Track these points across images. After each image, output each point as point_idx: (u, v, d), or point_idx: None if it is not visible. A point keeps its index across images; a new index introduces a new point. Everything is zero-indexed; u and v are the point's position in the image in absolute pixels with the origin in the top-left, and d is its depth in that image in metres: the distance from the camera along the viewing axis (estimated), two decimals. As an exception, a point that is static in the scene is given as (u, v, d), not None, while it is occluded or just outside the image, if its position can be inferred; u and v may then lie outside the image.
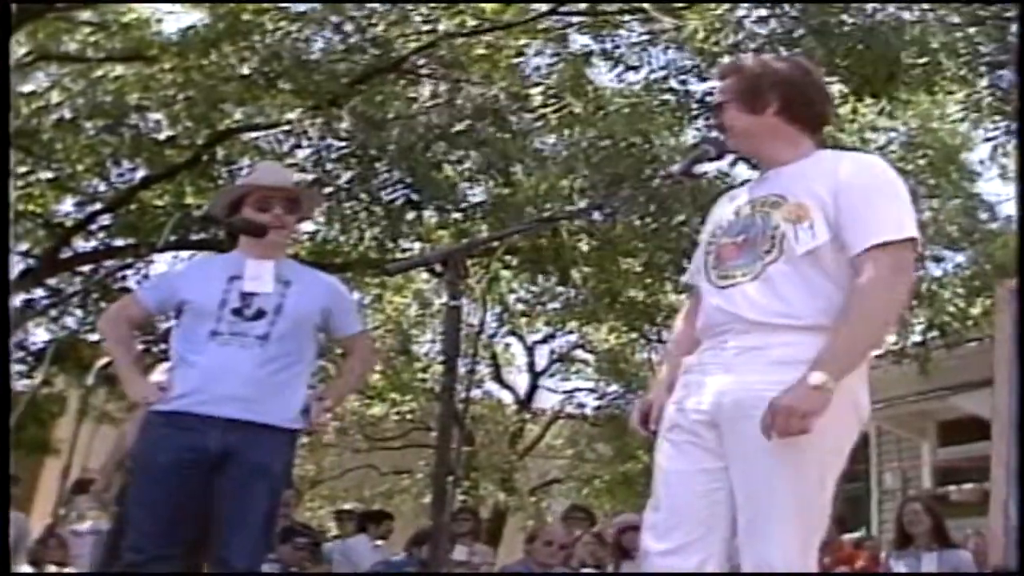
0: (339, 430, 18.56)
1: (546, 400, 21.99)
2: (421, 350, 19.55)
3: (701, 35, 10.22)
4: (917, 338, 13.09)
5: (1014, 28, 8.91)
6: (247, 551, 4.16)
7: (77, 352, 11.96)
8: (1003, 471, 8.92)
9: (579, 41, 11.38)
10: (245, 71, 10.87)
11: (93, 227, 12.58)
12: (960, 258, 13.47)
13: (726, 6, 10.28)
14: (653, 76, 10.95)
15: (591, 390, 20.53)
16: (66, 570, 9.00)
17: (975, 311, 13.17)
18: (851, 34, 9.55)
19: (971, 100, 10.36)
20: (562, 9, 11.12)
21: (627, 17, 11.00)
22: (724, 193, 3.61)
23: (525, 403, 21.61)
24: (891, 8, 9.87)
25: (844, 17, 9.63)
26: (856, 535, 11.02)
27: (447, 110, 10.41)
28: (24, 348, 13.57)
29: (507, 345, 21.16)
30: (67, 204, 13.11)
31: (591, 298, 13.26)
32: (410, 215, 11.07)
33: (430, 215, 11.33)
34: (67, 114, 11.40)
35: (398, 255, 11.24)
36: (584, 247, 11.71)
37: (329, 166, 11.11)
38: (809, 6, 9.69)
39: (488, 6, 10.96)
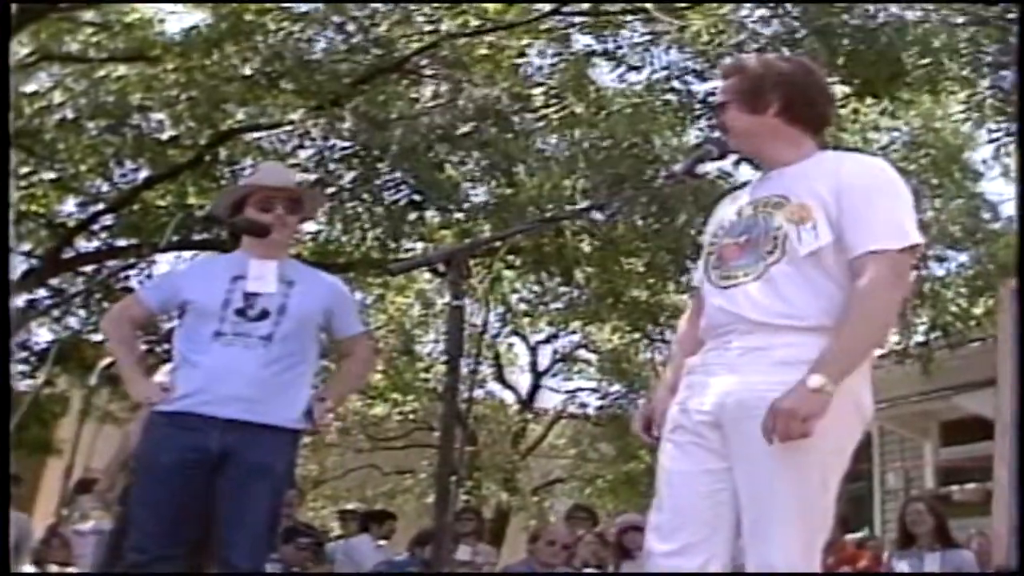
0: (342, 430, 18.55)
1: (549, 400, 22.00)
2: (424, 350, 19.56)
3: (704, 36, 10.22)
4: (920, 338, 13.09)
5: (1015, 28, 8.90)
6: (249, 551, 4.16)
7: (80, 352, 11.97)
8: (1006, 471, 8.91)
9: (581, 41, 11.38)
10: (247, 71, 10.87)
11: (96, 227, 12.58)
12: (963, 258, 13.47)
13: (729, 7, 10.28)
14: (655, 76, 10.95)
15: (594, 390, 20.52)
16: (69, 570, 9.00)
17: (978, 311, 13.17)
18: (853, 35, 9.54)
19: (973, 101, 10.35)
20: (564, 9, 11.12)
21: (629, 17, 10.99)
22: (726, 194, 3.61)
23: (528, 403, 21.60)
24: (893, 9, 9.86)
25: (846, 17, 9.61)
26: (858, 535, 11.01)
27: (449, 111, 10.40)
28: (27, 348, 13.57)
29: (510, 345, 21.17)
30: (70, 204, 13.11)
31: (594, 298, 13.26)
32: (412, 215, 11.06)
33: (432, 215, 11.33)
34: (70, 114, 11.41)
35: (400, 255, 11.24)
36: (587, 247, 11.70)
37: (332, 166, 11.10)
38: (811, 6, 9.68)
39: (491, 6, 10.96)
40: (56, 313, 13.20)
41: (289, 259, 4.63)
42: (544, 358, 21.28)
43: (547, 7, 11.10)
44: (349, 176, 11.10)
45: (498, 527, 18.47)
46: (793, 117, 3.27)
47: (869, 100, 10.44)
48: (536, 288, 14.76)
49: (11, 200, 11.61)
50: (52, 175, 12.34)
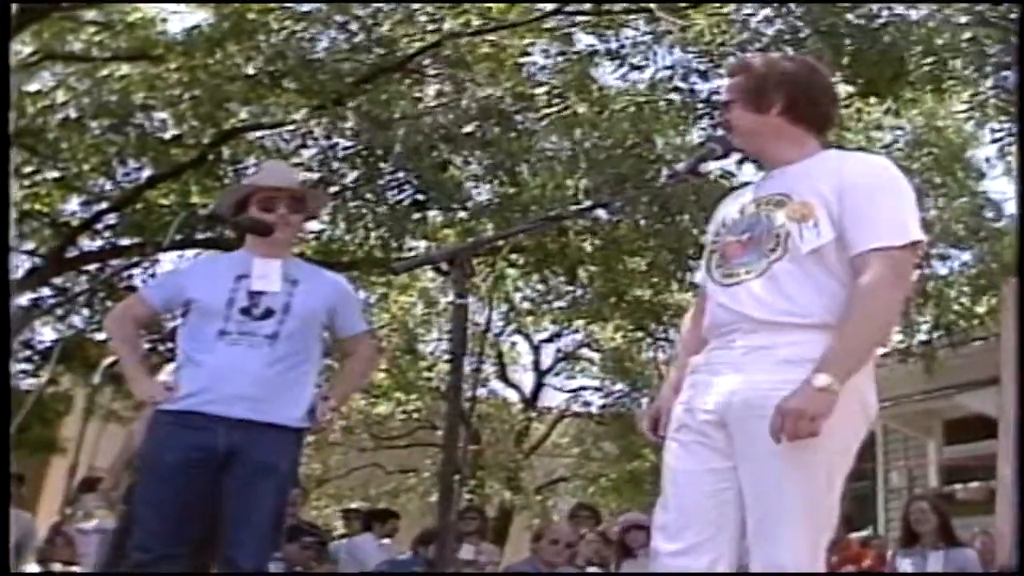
0: (345, 429, 18.55)
1: (552, 399, 22.01)
2: (427, 349, 19.57)
3: (706, 35, 10.21)
4: (923, 337, 13.10)
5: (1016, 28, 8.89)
6: (254, 550, 4.16)
7: (83, 351, 11.97)
8: (1010, 470, 8.91)
9: (584, 41, 11.38)
10: (250, 70, 10.86)
11: (99, 226, 12.57)
12: (966, 256, 13.47)
13: (732, 6, 10.27)
14: (658, 76, 10.94)
15: (597, 389, 20.53)
16: (73, 568, 9.01)
17: (981, 309, 13.18)
18: (856, 34, 9.53)
19: (976, 100, 10.34)
20: (567, 8, 11.11)
21: (632, 16, 10.98)
22: (728, 193, 3.61)
23: (531, 402, 21.61)
24: (898, 9, 9.84)
25: (849, 17, 9.60)
26: (863, 534, 11.01)
27: (452, 110, 10.39)
28: (30, 347, 13.59)
29: (513, 344, 21.19)
30: (73, 203, 13.11)
31: (596, 297, 13.26)
32: (416, 215, 11.06)
33: (436, 214, 11.32)
34: (73, 113, 11.41)
35: (404, 254, 11.24)
36: (589, 247, 11.70)
37: (335, 165, 11.10)
38: (814, 6, 9.67)
39: (494, 5, 10.95)
40: (60, 312, 13.21)
41: (293, 258, 4.63)
42: (547, 357, 21.32)
43: (550, 6, 11.09)
44: (352, 175, 11.10)
45: (501, 526, 18.48)
46: (796, 116, 3.27)
47: (872, 99, 10.41)
48: (539, 287, 14.75)
49: (15, 199, 11.63)
50: (55, 174, 12.35)
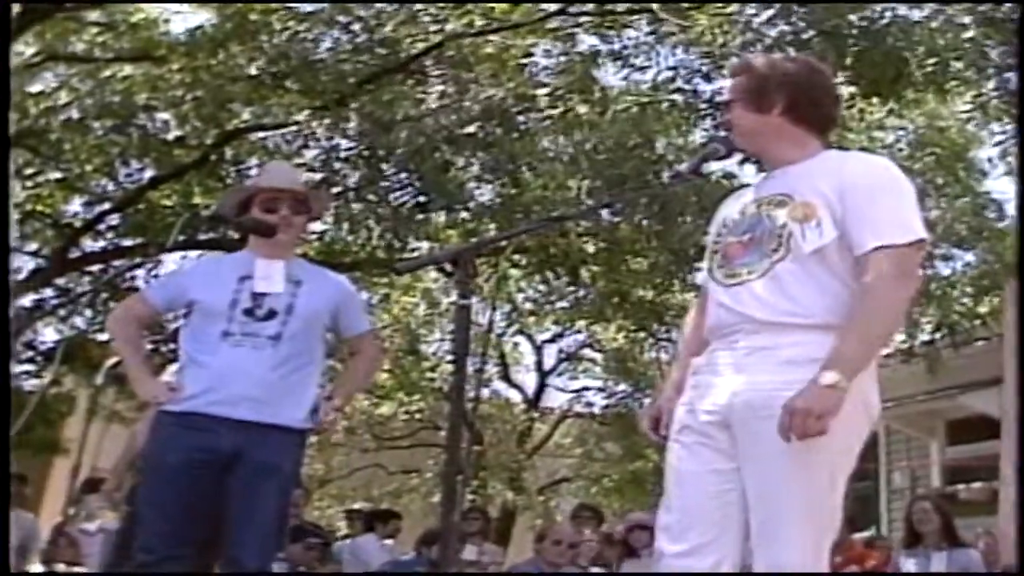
0: (347, 429, 18.58)
1: (554, 399, 22.02)
2: (429, 349, 19.57)
3: (709, 36, 10.21)
4: (926, 337, 13.09)
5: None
6: (258, 550, 4.17)
7: (86, 352, 11.98)
8: (1011, 469, 8.92)
9: (587, 42, 11.37)
10: (253, 71, 10.86)
11: (102, 227, 12.58)
12: (969, 257, 13.46)
13: (734, 6, 10.26)
14: (661, 77, 10.94)
15: (600, 389, 20.54)
16: (77, 569, 9.02)
17: (983, 310, 13.17)
18: (859, 35, 9.53)
19: (978, 102, 10.34)
20: (570, 9, 11.10)
21: (635, 17, 10.98)
22: (729, 194, 3.61)
23: (533, 402, 21.61)
24: (901, 9, 9.83)
25: (852, 18, 9.59)
26: (866, 534, 11.01)
27: (454, 111, 10.39)
28: (33, 348, 13.59)
29: (515, 344, 21.19)
30: (76, 204, 13.11)
31: (599, 297, 13.26)
32: (418, 216, 11.06)
33: (438, 215, 11.32)
34: (75, 114, 11.40)
35: (406, 255, 11.24)
36: (592, 247, 11.70)
37: (337, 166, 11.10)
38: (817, 7, 9.65)
39: (497, 5, 10.95)
40: (62, 313, 13.21)
41: (296, 259, 4.62)
42: (550, 357, 21.33)
43: (553, 7, 11.08)
44: (355, 176, 11.10)
45: (504, 526, 18.46)
46: (798, 117, 3.27)
47: (874, 100, 10.41)
48: (542, 287, 14.75)
49: (18, 200, 11.65)
50: (58, 175, 12.35)
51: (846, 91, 9.70)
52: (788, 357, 3.01)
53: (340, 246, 12.00)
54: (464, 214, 11.23)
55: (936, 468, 13.79)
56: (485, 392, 19.12)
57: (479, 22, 10.96)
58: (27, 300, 12.49)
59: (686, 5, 10.56)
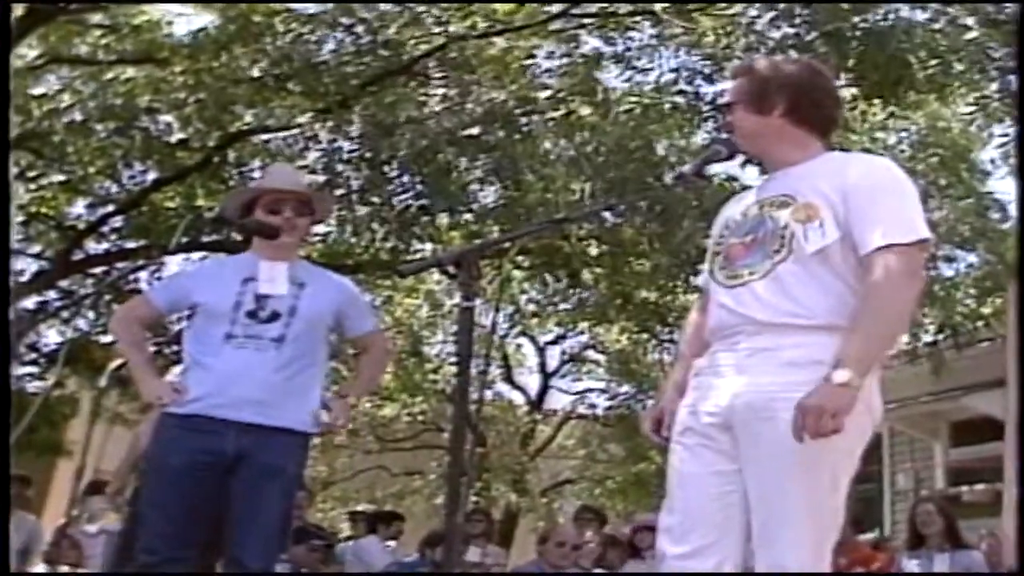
0: (351, 431, 18.56)
1: (557, 401, 22.01)
2: (432, 351, 19.56)
3: (712, 38, 10.21)
4: (929, 338, 13.07)
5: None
6: (261, 551, 4.17)
7: (89, 354, 11.97)
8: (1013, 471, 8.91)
9: (590, 44, 11.37)
10: (256, 73, 10.86)
11: (105, 229, 12.59)
12: (972, 258, 13.44)
13: (738, 8, 10.26)
14: (663, 79, 10.94)
15: (603, 391, 20.52)
16: (79, 571, 9.02)
17: (987, 311, 13.15)
18: (861, 37, 9.52)
19: (981, 103, 10.33)
20: (573, 11, 11.10)
21: (638, 19, 10.98)
22: (731, 196, 3.62)
23: (536, 404, 21.61)
24: (903, 11, 9.83)
25: (855, 20, 9.58)
26: (869, 536, 10.99)
27: (457, 114, 10.39)
28: (37, 350, 13.60)
29: (518, 346, 21.17)
30: (79, 206, 13.13)
31: (602, 299, 13.25)
32: (422, 218, 11.06)
33: (441, 217, 11.32)
34: (78, 117, 11.41)
35: (409, 257, 11.25)
36: (595, 249, 11.70)
37: (339, 168, 11.10)
38: (820, 9, 9.64)
39: (499, 7, 10.94)
40: (66, 315, 13.21)
41: (299, 260, 4.63)
42: (553, 359, 21.32)
43: (556, 8, 11.09)
44: (357, 178, 11.09)
45: (507, 528, 18.48)
46: (799, 119, 3.27)
47: (876, 102, 10.40)
48: (545, 289, 14.74)
49: (21, 202, 11.66)
50: (61, 177, 12.35)
51: (848, 93, 9.70)
52: (790, 358, 3.01)
53: (343, 248, 12.00)
54: (467, 216, 11.23)
55: (940, 470, 13.77)
56: (488, 394, 19.13)
57: (482, 24, 10.96)
58: (30, 302, 12.51)
59: (689, 7, 10.56)
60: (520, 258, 11.68)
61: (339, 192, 10.84)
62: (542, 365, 21.36)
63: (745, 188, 3.65)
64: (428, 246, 11.54)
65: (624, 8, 11.05)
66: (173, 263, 12.19)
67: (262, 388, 4.20)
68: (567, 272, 12.23)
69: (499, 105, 10.31)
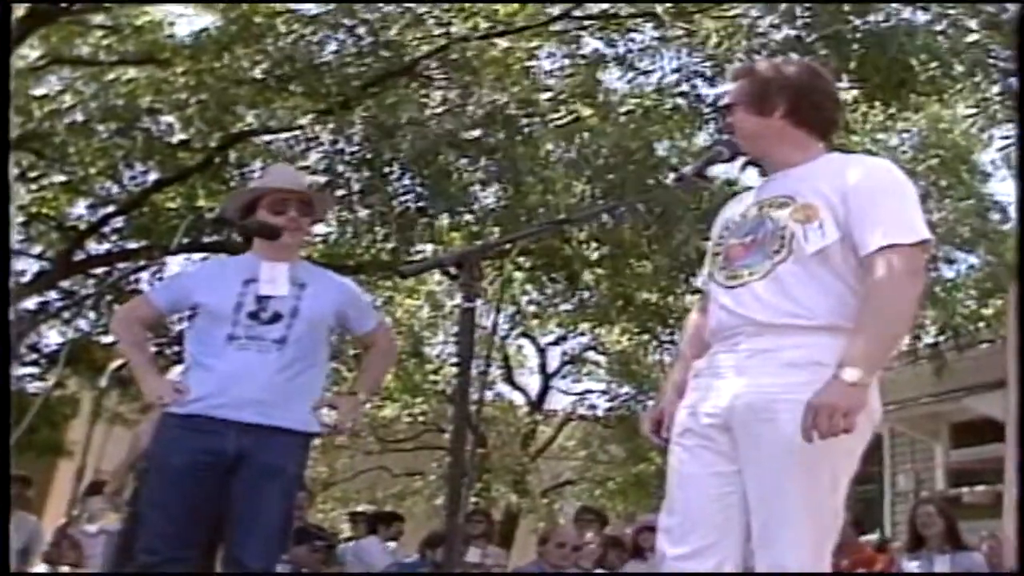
0: (351, 432, 18.56)
1: (558, 402, 22.01)
2: (433, 352, 19.58)
3: (714, 40, 10.21)
4: (930, 340, 13.08)
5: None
6: (262, 551, 4.17)
7: (90, 354, 11.97)
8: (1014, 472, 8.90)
9: (591, 45, 11.37)
10: (257, 74, 10.86)
11: (106, 230, 12.60)
12: (973, 259, 13.45)
13: (739, 10, 10.26)
14: (665, 81, 10.94)
15: (603, 392, 20.53)
16: (80, 571, 9.02)
17: (988, 312, 13.16)
18: (863, 39, 9.52)
19: (982, 106, 10.33)
20: (575, 12, 11.11)
21: (639, 20, 10.98)
22: (730, 198, 3.62)
23: (537, 405, 21.61)
24: (905, 13, 9.82)
25: (857, 23, 9.58)
26: (871, 537, 10.98)
27: (458, 116, 10.39)
28: (37, 350, 13.61)
29: (519, 347, 21.17)
30: (80, 207, 13.14)
31: (603, 300, 13.26)
32: (422, 219, 11.07)
33: (442, 218, 11.32)
34: (80, 117, 11.42)
35: (411, 258, 11.25)
36: (595, 250, 11.70)
37: (341, 169, 11.11)
38: (821, 13, 9.64)
39: (501, 7, 10.95)
40: (67, 315, 13.22)
41: (300, 261, 4.63)
42: (553, 360, 21.32)
43: (557, 9, 11.09)
44: (359, 180, 11.10)
45: (508, 529, 18.49)
46: (799, 120, 3.28)
47: (878, 104, 10.40)
48: (546, 290, 14.74)
49: (22, 203, 11.67)
50: (63, 178, 12.37)
51: (850, 95, 9.70)
52: (790, 359, 3.01)
53: (344, 249, 12.00)
54: (468, 217, 11.24)
55: (940, 471, 13.77)
56: (489, 395, 19.14)
57: (484, 25, 10.96)
58: (31, 303, 12.52)
59: (690, 9, 10.57)
60: (521, 259, 11.68)
61: (340, 193, 10.84)
62: (543, 366, 21.39)
63: (746, 189, 3.65)
64: (429, 247, 11.55)
65: (625, 10, 11.06)
66: (174, 264, 12.20)
67: (264, 389, 4.20)
68: (567, 274, 12.23)
69: (500, 107, 10.31)
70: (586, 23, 11.26)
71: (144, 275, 12.28)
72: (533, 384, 21.77)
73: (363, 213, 11.18)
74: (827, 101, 3.39)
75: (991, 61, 9.56)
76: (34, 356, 13.50)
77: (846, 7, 9.57)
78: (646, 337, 15.57)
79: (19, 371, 12.82)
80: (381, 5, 10.78)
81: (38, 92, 11.68)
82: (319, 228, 10.27)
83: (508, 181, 10.61)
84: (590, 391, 21.05)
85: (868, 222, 3.05)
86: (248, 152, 11.80)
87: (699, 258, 3.60)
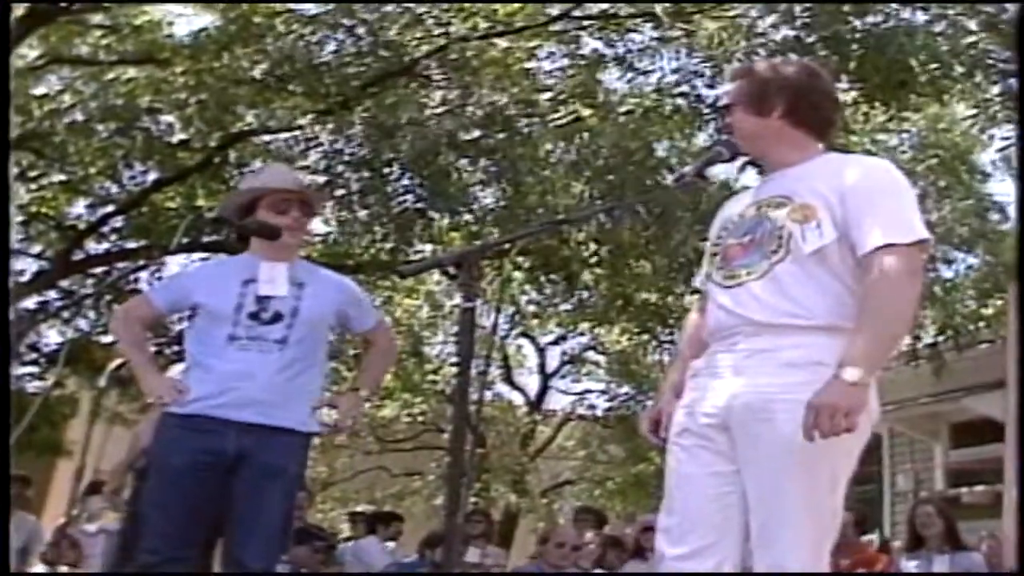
0: (351, 432, 18.56)
1: (557, 402, 22.02)
2: (432, 352, 19.58)
3: (715, 40, 10.21)
4: (929, 340, 13.08)
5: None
6: (263, 551, 4.18)
7: (89, 354, 11.97)
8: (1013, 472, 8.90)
9: (590, 45, 11.37)
10: (257, 74, 10.86)
11: (105, 229, 12.60)
12: (972, 260, 13.46)
13: (738, 11, 10.26)
14: (664, 81, 10.94)
15: (603, 392, 20.53)
16: (79, 571, 9.02)
17: (987, 312, 13.16)
18: (863, 40, 9.52)
19: (982, 107, 10.33)
20: (574, 13, 11.10)
21: (638, 21, 10.98)
22: (728, 198, 3.62)
23: (536, 405, 21.61)
24: (904, 13, 9.83)
25: (856, 24, 9.58)
26: (872, 537, 10.97)
27: (457, 117, 10.39)
28: (37, 350, 13.61)
29: (518, 347, 21.18)
30: (80, 207, 13.14)
31: (602, 300, 13.26)
32: (421, 220, 11.07)
33: (442, 218, 11.32)
34: (79, 117, 11.42)
35: (410, 257, 11.26)
36: (594, 250, 11.70)
37: (340, 169, 11.11)
38: (821, 13, 9.64)
39: (500, 7, 10.94)
40: (66, 315, 13.22)
41: (299, 260, 4.63)
42: (553, 360, 21.32)
43: (556, 9, 11.09)
44: (358, 180, 11.09)
45: (507, 529, 18.48)
46: (798, 120, 3.28)
47: (878, 105, 10.40)
48: (546, 290, 14.74)
49: (22, 202, 11.67)
50: (62, 177, 12.37)
51: (849, 96, 9.70)
52: (788, 359, 3.01)
53: (344, 249, 12.00)
54: (467, 217, 11.23)
55: (940, 471, 13.76)
56: (488, 395, 19.13)
57: (483, 25, 10.96)
58: (31, 302, 12.52)
59: (689, 9, 10.56)
60: (520, 259, 11.68)
61: (340, 193, 10.84)
62: (542, 366, 21.39)
63: (745, 189, 3.65)
64: (428, 247, 11.55)
65: (625, 10, 11.05)
66: (174, 263, 12.20)
67: (265, 389, 4.20)
68: (566, 274, 12.23)
69: (499, 108, 10.31)
70: (585, 23, 11.25)
71: (143, 275, 12.30)
72: (532, 384, 21.81)
73: (362, 213, 11.17)
74: (825, 101, 3.39)
75: (990, 62, 9.56)
76: (33, 356, 13.50)
77: (845, 8, 9.57)
78: (645, 337, 15.57)
79: (18, 370, 12.82)
80: (380, 5, 10.77)
81: (37, 92, 11.68)
82: (319, 228, 10.30)
83: (507, 181, 10.61)
84: (589, 391, 21.08)
85: (866, 222, 3.05)
86: (248, 152, 11.80)
87: (698, 258, 3.60)
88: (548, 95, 10.87)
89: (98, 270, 12.80)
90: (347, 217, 11.29)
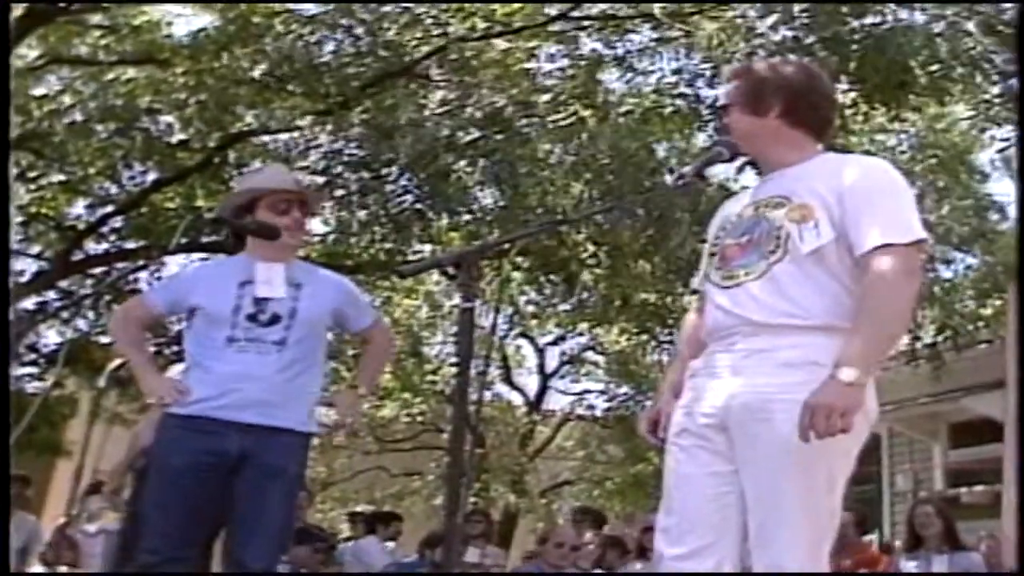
0: (352, 429, 18.53)
1: (556, 402, 22.02)
2: (431, 352, 19.58)
3: (715, 41, 10.21)
4: (928, 340, 13.08)
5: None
6: (264, 551, 4.18)
7: (89, 354, 11.99)
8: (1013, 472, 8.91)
9: (589, 46, 11.37)
10: (256, 74, 10.85)
11: (105, 230, 12.60)
12: (971, 260, 13.47)
13: (737, 10, 10.26)
14: (664, 82, 10.94)
15: (602, 392, 20.54)
16: (78, 571, 9.03)
17: (986, 312, 13.17)
18: (862, 40, 9.52)
19: (982, 108, 10.34)
20: (573, 13, 11.10)
21: (637, 21, 10.98)
22: (726, 199, 3.62)
23: (535, 405, 21.61)
24: (903, 14, 9.83)
25: (856, 24, 9.58)
26: (872, 537, 10.98)
27: (456, 117, 10.39)
28: (36, 350, 13.62)
29: (518, 347, 21.19)
30: (79, 207, 13.14)
31: (601, 300, 13.26)
32: (420, 220, 11.07)
33: (441, 219, 11.32)
34: (79, 117, 11.41)
35: (409, 258, 11.26)
36: (593, 251, 11.70)
37: (339, 169, 11.11)
38: (820, 14, 9.64)
39: (499, 7, 10.94)
40: (65, 315, 13.22)
41: (296, 261, 4.62)
42: (552, 360, 21.32)
43: (555, 9, 11.09)
44: (357, 180, 11.10)
45: (506, 529, 18.48)
46: (795, 120, 3.28)
47: (877, 106, 10.40)
48: (546, 290, 14.75)
49: (21, 202, 11.67)
50: (61, 178, 12.37)
51: (849, 96, 9.70)
52: (786, 359, 3.01)
53: (343, 249, 12.00)
54: (466, 218, 11.23)
55: (939, 471, 13.77)
56: (487, 395, 19.13)
57: (482, 25, 10.96)
58: (30, 303, 12.52)
59: (688, 9, 10.56)
60: (520, 259, 11.68)
61: (339, 193, 10.84)
62: (541, 366, 21.40)
63: (743, 189, 3.65)
64: (427, 247, 11.55)
65: (624, 10, 11.05)
66: (173, 264, 12.21)
67: (265, 390, 4.20)
68: (565, 274, 12.23)
69: (499, 108, 10.31)
70: (584, 24, 11.25)
71: (143, 275, 12.31)
72: (532, 384, 21.82)
73: (361, 214, 11.18)
74: (823, 101, 3.39)
75: (990, 62, 9.56)
76: (33, 356, 13.51)
77: (844, 8, 9.57)
78: (644, 337, 15.59)
79: (18, 371, 12.82)
80: (379, 5, 10.77)
81: (37, 92, 11.68)
82: (318, 228, 10.29)
83: (506, 182, 10.60)
84: (588, 391, 21.11)
85: (864, 222, 3.05)
86: (247, 152, 11.79)
87: (696, 259, 3.60)
88: (547, 96, 10.85)
89: (97, 270, 12.80)
90: (346, 217, 11.29)
